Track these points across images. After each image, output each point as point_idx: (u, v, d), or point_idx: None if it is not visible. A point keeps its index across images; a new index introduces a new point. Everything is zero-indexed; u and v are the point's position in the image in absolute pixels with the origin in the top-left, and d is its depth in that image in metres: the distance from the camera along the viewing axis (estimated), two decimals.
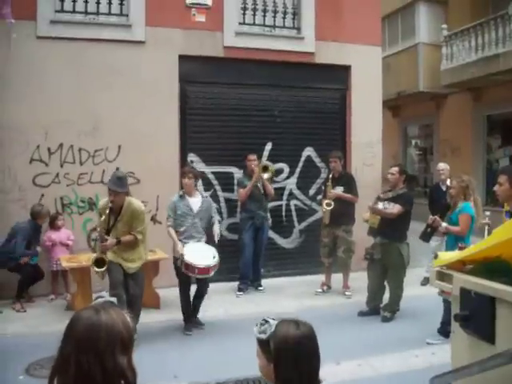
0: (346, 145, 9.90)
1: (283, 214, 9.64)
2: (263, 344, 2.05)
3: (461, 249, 4.65)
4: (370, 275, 7.19)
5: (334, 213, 7.88)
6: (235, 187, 8.88)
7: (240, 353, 5.65)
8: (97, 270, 5.95)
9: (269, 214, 8.78)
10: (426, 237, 6.31)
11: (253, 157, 8.40)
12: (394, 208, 6.79)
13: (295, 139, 9.52)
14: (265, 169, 8.29)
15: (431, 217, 6.19)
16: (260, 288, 8.52)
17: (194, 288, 6.70)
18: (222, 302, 7.78)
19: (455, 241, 5.84)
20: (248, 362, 5.22)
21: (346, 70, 9.88)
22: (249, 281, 8.53)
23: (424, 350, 5.73)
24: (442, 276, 3.35)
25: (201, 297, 6.71)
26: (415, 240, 6.78)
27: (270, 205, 9.30)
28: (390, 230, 6.76)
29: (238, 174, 9.05)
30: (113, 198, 5.85)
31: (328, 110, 9.86)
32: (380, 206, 6.96)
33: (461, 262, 3.33)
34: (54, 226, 7.99)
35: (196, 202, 6.65)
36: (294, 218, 9.72)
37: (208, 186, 9.06)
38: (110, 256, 6.04)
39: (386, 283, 7.08)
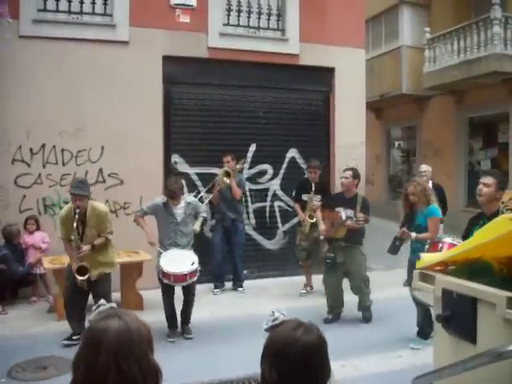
0: (329, 146, 9.95)
1: (267, 215, 9.65)
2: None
3: (434, 246, 4.68)
4: (330, 281, 6.99)
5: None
6: None
7: (226, 354, 5.69)
8: (81, 278, 5.88)
9: (250, 216, 8.75)
10: (394, 250, 6.22)
11: (226, 158, 8.29)
12: (363, 220, 6.69)
13: (279, 140, 9.54)
14: (227, 174, 8.23)
15: (399, 229, 6.09)
16: (240, 289, 8.51)
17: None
18: (207, 304, 7.76)
19: (423, 244, 5.70)
20: (234, 363, 5.24)
21: (329, 71, 9.92)
22: (224, 279, 8.58)
23: (407, 351, 5.77)
24: (425, 277, 3.38)
25: (187, 306, 6.50)
26: None
27: (254, 206, 9.32)
28: (354, 233, 6.73)
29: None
30: (78, 203, 5.77)
31: (312, 111, 9.91)
32: (343, 214, 6.77)
33: (443, 263, 3.36)
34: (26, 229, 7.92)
35: (180, 209, 6.43)
36: (278, 220, 9.74)
37: (192, 186, 9.05)
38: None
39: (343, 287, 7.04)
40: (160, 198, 6.56)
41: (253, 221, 9.50)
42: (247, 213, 9.42)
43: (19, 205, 8.01)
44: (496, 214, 4.23)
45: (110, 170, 8.43)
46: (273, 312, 1.96)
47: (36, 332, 6.51)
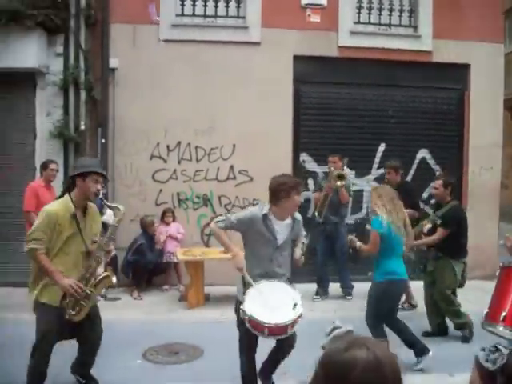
0: (463, 147, 9.50)
1: None
2: (487, 373, 1.77)
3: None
4: (424, 288, 6.63)
5: None
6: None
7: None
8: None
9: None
10: (352, 258, 5.74)
11: (333, 158, 7.84)
12: (436, 234, 6.20)
13: (409, 140, 9.26)
14: (340, 177, 7.64)
15: (349, 236, 5.59)
16: (348, 297, 8.01)
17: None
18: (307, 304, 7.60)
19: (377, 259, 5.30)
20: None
21: (465, 68, 9.47)
22: (326, 287, 8.08)
23: None
24: None
25: (281, 356, 4.57)
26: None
27: None
28: (445, 245, 6.15)
29: (350, 174, 8.79)
30: (101, 186, 4.43)
31: (445, 110, 9.51)
32: (426, 228, 6.35)
33: None
34: (164, 220, 8.38)
35: (285, 226, 4.47)
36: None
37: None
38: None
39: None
40: (260, 208, 4.51)
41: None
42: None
43: (156, 198, 8.52)
44: None
45: (240, 167, 8.69)
46: (495, 348, 1.82)
47: (168, 318, 6.87)
